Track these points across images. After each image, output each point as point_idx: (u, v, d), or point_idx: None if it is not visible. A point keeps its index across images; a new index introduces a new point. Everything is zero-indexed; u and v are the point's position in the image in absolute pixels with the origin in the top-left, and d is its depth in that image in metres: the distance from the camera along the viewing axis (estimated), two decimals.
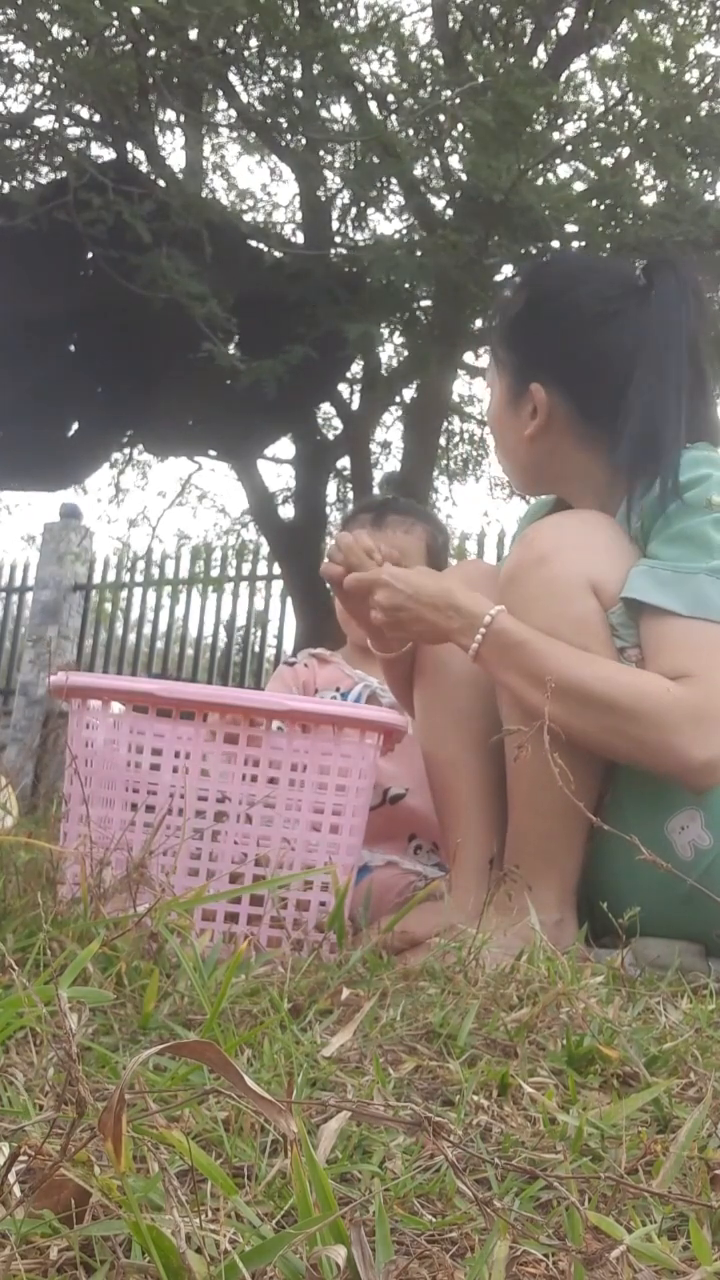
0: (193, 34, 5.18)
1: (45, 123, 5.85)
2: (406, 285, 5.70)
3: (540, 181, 5.67)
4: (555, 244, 5.63)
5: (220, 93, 6.10)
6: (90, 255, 5.47)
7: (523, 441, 1.60)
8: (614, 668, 1.39)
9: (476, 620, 1.45)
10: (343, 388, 7.12)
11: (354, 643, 2.24)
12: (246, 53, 5.76)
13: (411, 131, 5.91)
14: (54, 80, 5.37)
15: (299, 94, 5.73)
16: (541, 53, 6.55)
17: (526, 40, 6.58)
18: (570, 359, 1.56)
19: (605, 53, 6.61)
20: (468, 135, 5.54)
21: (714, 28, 6.27)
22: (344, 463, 7.54)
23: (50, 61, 5.27)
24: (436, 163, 6.21)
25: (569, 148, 5.91)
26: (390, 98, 6.38)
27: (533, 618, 1.42)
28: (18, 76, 5.67)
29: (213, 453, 7.93)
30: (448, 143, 6.09)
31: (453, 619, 1.47)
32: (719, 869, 1.37)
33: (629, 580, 1.43)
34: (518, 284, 1.67)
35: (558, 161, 6.08)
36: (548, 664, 1.38)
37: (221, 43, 5.51)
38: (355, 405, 7.23)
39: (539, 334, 1.59)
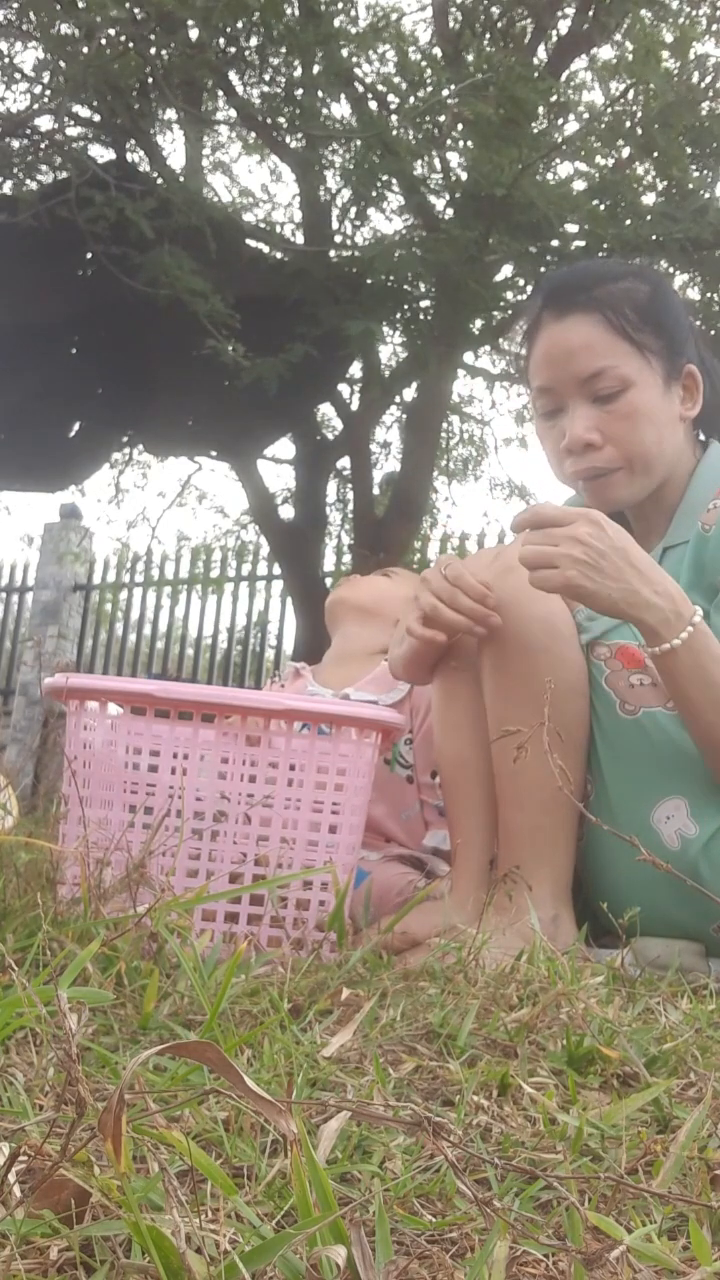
0: (193, 33, 5.18)
1: (45, 122, 5.84)
2: (407, 284, 5.69)
3: (540, 179, 5.67)
4: (555, 242, 5.63)
5: (220, 91, 6.09)
6: (91, 256, 5.47)
7: (675, 423, 1.55)
8: None
9: (688, 612, 1.31)
10: (343, 388, 7.11)
11: (334, 652, 2.24)
12: (247, 51, 5.76)
13: (412, 130, 5.90)
14: (56, 79, 5.37)
15: (299, 92, 5.73)
16: (541, 52, 6.55)
17: (527, 40, 6.58)
18: (695, 346, 1.59)
19: (605, 52, 6.61)
20: (469, 132, 5.54)
21: (714, 28, 6.27)
22: (344, 463, 7.54)
23: (52, 59, 5.27)
24: (437, 161, 6.21)
25: (566, 147, 5.91)
26: (390, 96, 6.38)
27: (504, 620, 1.44)
28: (18, 76, 5.66)
29: (213, 453, 7.92)
30: (448, 141, 6.08)
31: (657, 599, 1.29)
32: (709, 856, 1.37)
33: None
34: (618, 276, 1.57)
35: (558, 160, 6.08)
36: None
37: (222, 41, 5.51)
38: (355, 405, 7.22)
39: (676, 320, 1.57)
